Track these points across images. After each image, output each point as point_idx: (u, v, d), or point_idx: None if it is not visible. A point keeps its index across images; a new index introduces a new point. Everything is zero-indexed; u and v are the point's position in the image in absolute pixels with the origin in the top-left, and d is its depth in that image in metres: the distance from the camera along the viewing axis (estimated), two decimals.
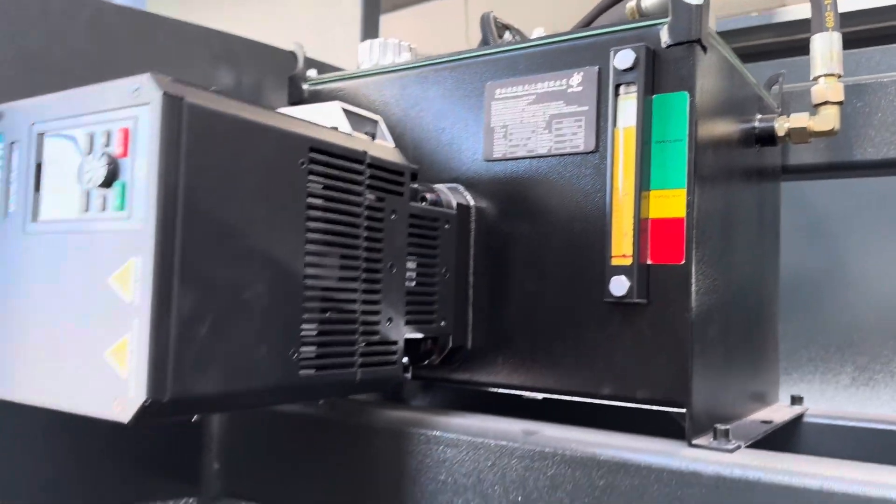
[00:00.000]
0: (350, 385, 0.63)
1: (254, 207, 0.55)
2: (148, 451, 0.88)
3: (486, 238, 0.82)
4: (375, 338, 0.66)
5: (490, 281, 0.81)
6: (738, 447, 0.67)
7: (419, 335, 0.74)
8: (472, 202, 0.82)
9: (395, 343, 0.69)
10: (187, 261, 0.49)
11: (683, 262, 0.69)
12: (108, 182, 0.50)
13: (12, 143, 0.58)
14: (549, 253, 0.77)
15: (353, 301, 0.64)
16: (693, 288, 0.69)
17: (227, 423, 0.92)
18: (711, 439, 0.69)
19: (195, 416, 0.50)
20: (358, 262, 0.64)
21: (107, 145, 0.51)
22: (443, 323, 0.77)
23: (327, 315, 0.61)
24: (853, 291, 1.41)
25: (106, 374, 0.49)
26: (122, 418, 0.47)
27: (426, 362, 0.80)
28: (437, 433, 0.76)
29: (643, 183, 0.71)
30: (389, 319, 0.68)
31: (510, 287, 0.80)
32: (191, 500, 0.92)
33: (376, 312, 0.66)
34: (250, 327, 0.54)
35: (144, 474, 0.88)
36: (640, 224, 0.70)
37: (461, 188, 0.83)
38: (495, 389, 0.81)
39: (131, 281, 0.48)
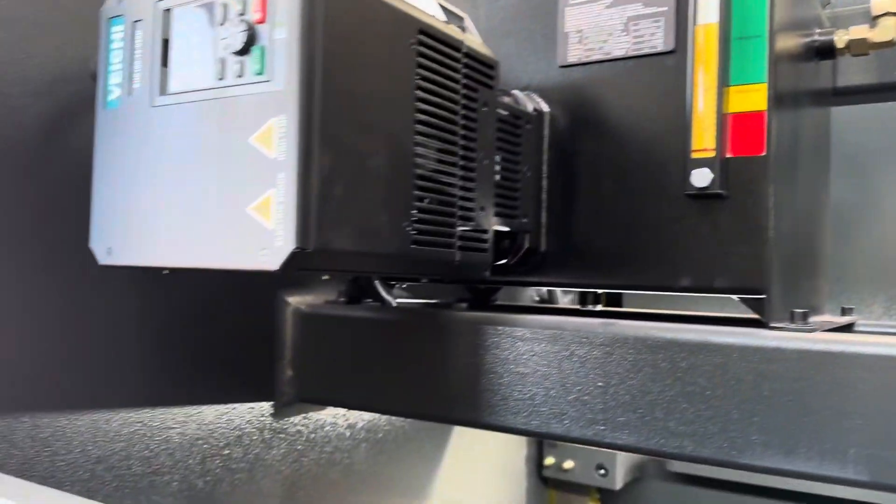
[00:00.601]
0: (451, 264, 0.66)
1: (375, 81, 0.57)
2: (228, 361, 0.91)
3: (560, 143, 0.84)
4: (471, 224, 0.69)
5: (564, 185, 0.83)
6: (817, 329, 0.70)
7: (505, 228, 0.76)
8: (545, 108, 0.84)
9: (486, 231, 0.71)
10: (325, 122, 0.52)
11: (764, 153, 0.72)
12: (245, 48, 0.53)
13: (135, 21, 0.59)
14: (625, 154, 0.80)
15: (453, 185, 0.66)
16: (771, 177, 0.72)
17: (300, 331, 0.95)
18: (789, 323, 0.72)
19: (326, 276, 0.53)
20: (456, 148, 0.66)
21: (242, 13, 0.53)
22: (525, 220, 0.80)
23: (432, 196, 0.63)
24: (885, 223, 1.44)
25: (251, 228, 0.51)
26: (270, 266, 0.50)
27: (502, 262, 0.83)
28: (516, 329, 0.78)
29: (724, 78, 0.73)
30: (482, 208, 0.70)
31: (584, 190, 0.82)
32: (266, 405, 0.95)
33: (471, 199, 0.69)
34: (375, 194, 0.57)
35: (225, 383, 0.91)
36: (722, 118, 0.73)
37: (535, 95, 0.85)
38: (570, 289, 0.84)
39: (275, 139, 0.51)
